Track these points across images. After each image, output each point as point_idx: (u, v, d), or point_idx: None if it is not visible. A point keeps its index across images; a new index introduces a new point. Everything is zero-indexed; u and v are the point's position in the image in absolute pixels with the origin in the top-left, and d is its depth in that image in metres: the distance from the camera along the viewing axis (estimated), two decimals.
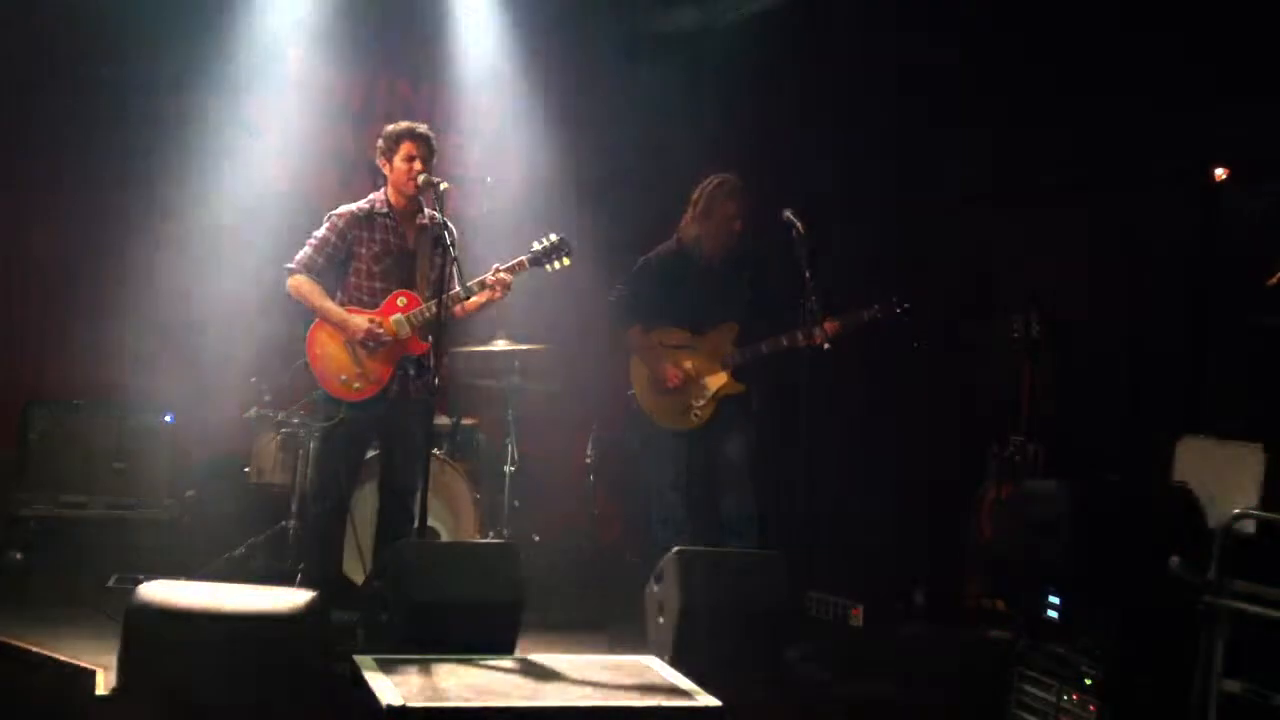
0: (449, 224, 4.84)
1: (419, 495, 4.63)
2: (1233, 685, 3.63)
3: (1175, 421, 5.39)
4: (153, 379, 6.62)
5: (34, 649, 4.15)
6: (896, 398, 7.00)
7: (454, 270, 4.80)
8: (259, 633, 3.71)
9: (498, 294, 5.02)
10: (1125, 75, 5.76)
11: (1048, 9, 5.94)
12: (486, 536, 5.90)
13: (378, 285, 5.03)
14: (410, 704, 3.33)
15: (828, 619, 5.75)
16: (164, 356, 6.67)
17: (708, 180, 5.61)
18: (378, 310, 5.00)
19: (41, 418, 5.96)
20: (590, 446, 6.88)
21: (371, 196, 5.16)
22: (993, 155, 6.55)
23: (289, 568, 5.48)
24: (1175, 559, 3.75)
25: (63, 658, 4.08)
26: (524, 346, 6.19)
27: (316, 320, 5.02)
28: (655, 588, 4.78)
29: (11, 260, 6.39)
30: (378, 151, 5.10)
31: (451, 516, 5.72)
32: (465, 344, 6.18)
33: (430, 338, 4.92)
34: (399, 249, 5.07)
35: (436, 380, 4.77)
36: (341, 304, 5.03)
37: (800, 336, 5.38)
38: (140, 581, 3.84)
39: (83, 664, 4.01)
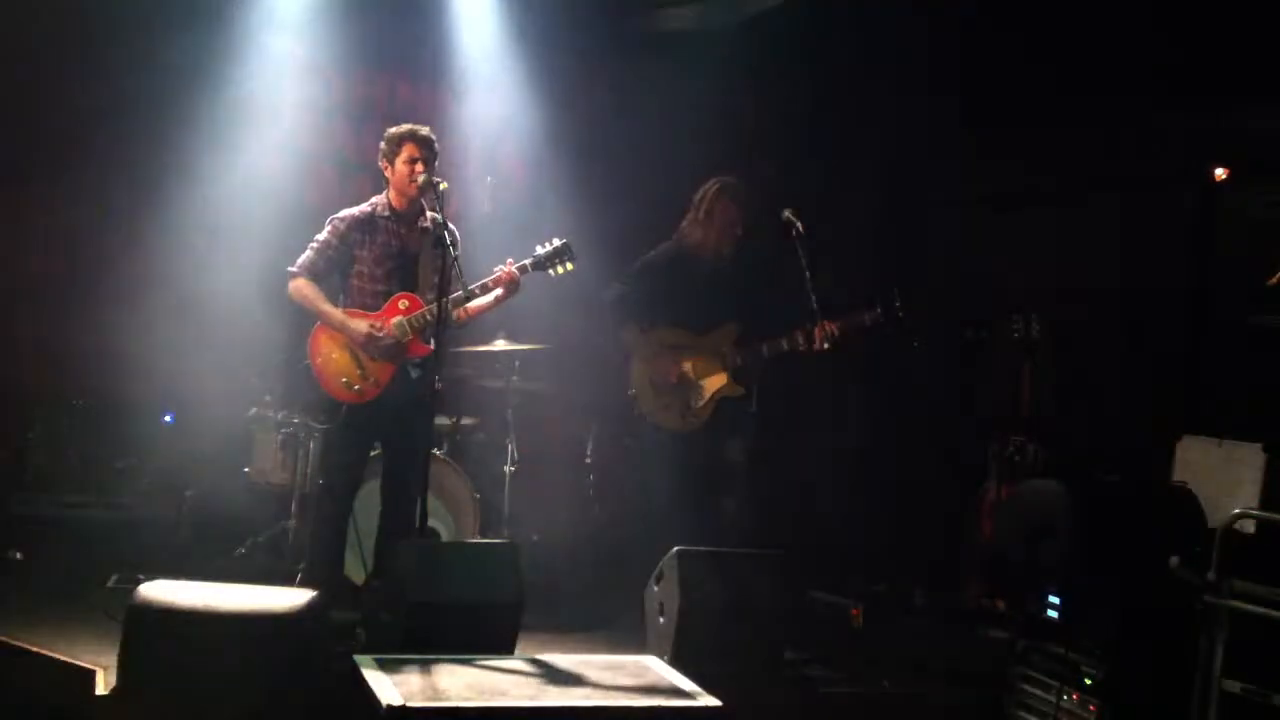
0: (450, 225, 4.84)
1: (421, 495, 4.63)
2: (1233, 685, 3.63)
3: (1175, 421, 5.40)
4: (153, 379, 6.63)
5: (34, 649, 4.15)
6: (896, 398, 7.00)
7: (456, 272, 4.79)
8: (259, 633, 3.70)
9: (504, 293, 5.01)
10: (1125, 75, 5.76)
11: (1048, 9, 5.94)
12: (486, 536, 5.90)
13: (379, 288, 5.02)
14: (410, 704, 3.33)
15: (828, 619, 5.75)
16: (164, 357, 6.67)
17: (710, 183, 5.61)
18: (379, 313, 4.99)
19: (41, 418, 5.96)
20: (590, 446, 6.88)
21: (373, 199, 5.15)
22: (993, 155, 6.55)
23: (289, 568, 5.48)
24: (1175, 559, 3.76)
25: (63, 658, 4.08)
26: (524, 346, 6.19)
27: (318, 324, 5.01)
28: (655, 588, 4.78)
29: (12, 261, 6.39)
30: (380, 154, 5.09)
31: (451, 516, 5.72)
32: (465, 344, 6.17)
33: (431, 340, 4.90)
34: (400, 252, 5.07)
35: (438, 383, 4.76)
36: (343, 307, 5.03)
37: (800, 338, 5.38)
38: (140, 581, 3.84)
39: (83, 664, 4.01)
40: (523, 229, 5.61)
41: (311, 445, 5.88)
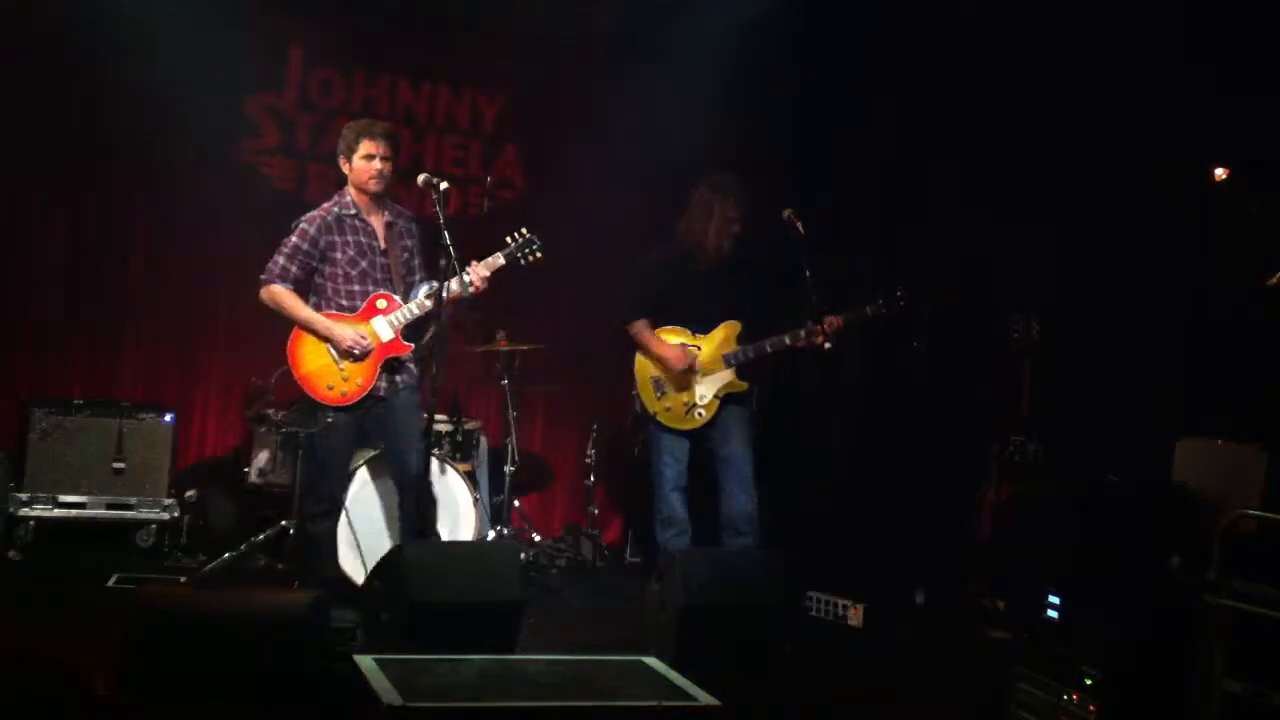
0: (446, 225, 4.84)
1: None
2: (1233, 685, 3.63)
3: (1175, 421, 5.39)
4: (153, 379, 6.63)
5: (34, 649, 4.14)
6: (896, 397, 7.00)
7: (452, 269, 4.80)
8: (259, 633, 3.70)
9: (481, 288, 4.97)
10: (1125, 74, 5.76)
11: (1048, 8, 5.93)
12: (486, 536, 5.90)
13: (355, 288, 4.96)
14: (410, 704, 3.33)
15: (828, 619, 5.75)
16: (164, 357, 6.68)
17: (706, 180, 5.61)
18: (358, 314, 4.95)
19: (41, 418, 5.96)
20: (590, 446, 6.89)
21: (335, 198, 5.07)
22: (993, 155, 6.54)
23: (289, 568, 5.48)
24: (1175, 559, 3.76)
25: (63, 658, 4.08)
26: (524, 346, 6.19)
27: (295, 330, 4.95)
28: (655, 587, 4.78)
29: (12, 260, 6.39)
30: (337, 149, 5.02)
31: (451, 516, 5.72)
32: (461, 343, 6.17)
33: (410, 339, 4.97)
34: (371, 249, 5.01)
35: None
36: (318, 308, 4.96)
37: (803, 334, 5.38)
38: (140, 581, 3.84)
39: (83, 664, 4.01)
40: (524, 229, 5.59)
41: (299, 451, 5.88)
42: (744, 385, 5.57)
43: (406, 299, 5.02)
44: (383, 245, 5.02)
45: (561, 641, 4.90)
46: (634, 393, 5.68)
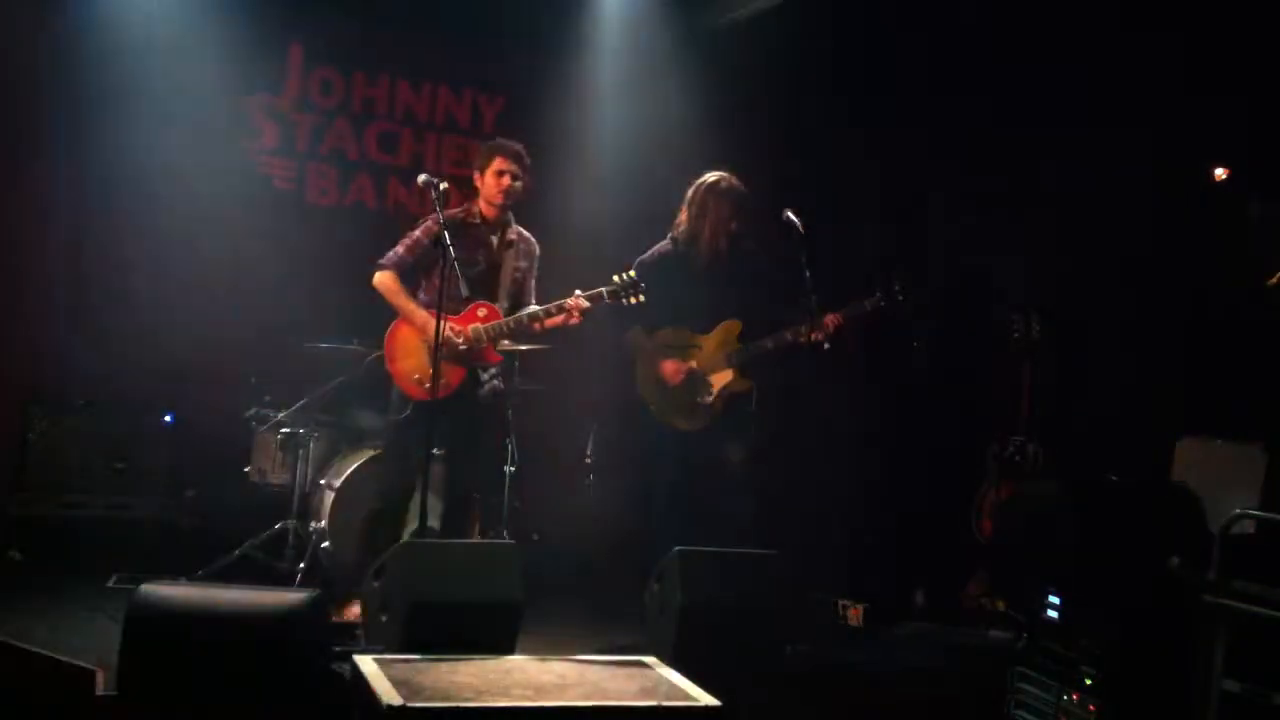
0: (444, 228, 4.89)
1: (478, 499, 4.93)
2: (1233, 685, 3.63)
3: (1175, 421, 5.39)
4: (153, 379, 6.63)
5: (34, 649, 4.14)
6: (896, 398, 7.00)
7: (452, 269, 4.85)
8: (259, 633, 3.70)
9: (575, 319, 5.13)
10: (1125, 74, 5.76)
11: (1048, 8, 5.94)
12: (486, 536, 5.90)
13: (461, 293, 5.06)
14: (410, 704, 3.33)
15: (828, 619, 5.75)
16: (163, 356, 6.68)
17: (702, 178, 5.59)
18: (459, 318, 5.08)
19: (41, 418, 5.97)
20: (590, 446, 6.88)
21: (466, 205, 5.31)
22: (993, 154, 6.55)
23: (289, 568, 5.48)
24: (1175, 559, 3.75)
25: (63, 658, 4.07)
26: (524, 346, 6.18)
27: (396, 321, 5.14)
28: (655, 588, 4.78)
29: (11, 260, 6.39)
30: (473, 164, 5.30)
31: None
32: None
33: (502, 351, 5.19)
34: (486, 260, 5.22)
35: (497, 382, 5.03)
36: (424, 306, 5.13)
37: (804, 331, 5.38)
38: (140, 581, 3.84)
39: (83, 664, 4.01)
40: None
41: (311, 446, 5.89)
42: (745, 384, 5.57)
43: (512, 314, 5.21)
44: (498, 259, 5.20)
45: (561, 641, 4.90)
46: (635, 393, 5.68)
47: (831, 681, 4.86)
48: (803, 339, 5.39)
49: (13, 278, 6.37)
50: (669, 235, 5.66)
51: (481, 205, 5.26)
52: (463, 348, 5.08)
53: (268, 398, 6.00)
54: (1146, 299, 5.89)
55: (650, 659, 4.07)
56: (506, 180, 5.15)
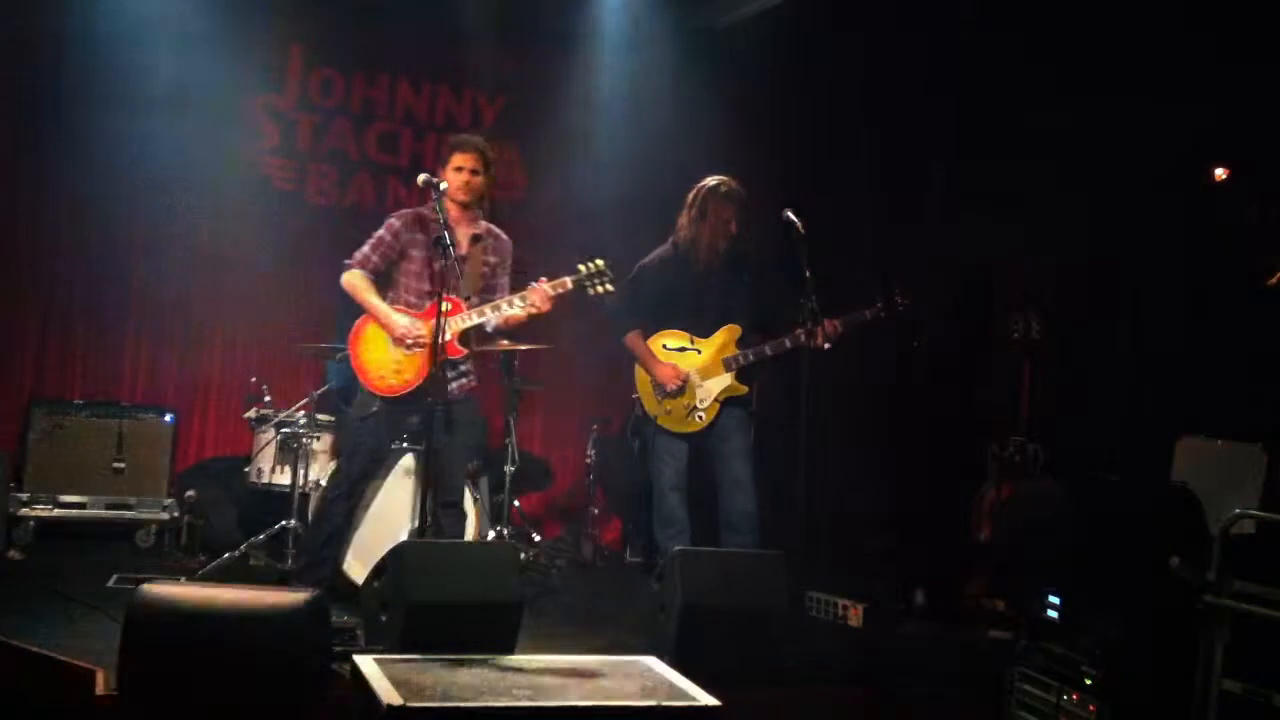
0: (450, 227, 4.88)
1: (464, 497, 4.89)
2: (1233, 685, 3.63)
3: (1175, 421, 5.39)
4: (153, 379, 6.63)
5: (34, 649, 4.14)
6: (896, 398, 7.00)
7: (452, 268, 4.84)
8: (259, 633, 3.70)
9: (545, 308, 5.07)
10: (1125, 73, 5.76)
11: (1047, 8, 5.94)
12: (486, 536, 5.90)
13: (426, 288, 5.10)
14: (410, 704, 3.32)
15: (828, 619, 5.75)
16: (164, 357, 6.68)
17: (702, 182, 5.59)
18: (422, 313, 5.06)
19: (41, 418, 5.97)
20: (590, 446, 6.88)
21: (431, 202, 5.20)
22: (993, 154, 6.55)
23: (289, 568, 5.48)
24: (1175, 559, 3.75)
25: (63, 658, 4.07)
26: (524, 346, 6.19)
27: (362, 318, 5.12)
28: (656, 588, 4.78)
29: (11, 260, 6.40)
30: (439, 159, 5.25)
31: None
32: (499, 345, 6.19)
33: (467, 345, 5.08)
34: (449, 255, 5.12)
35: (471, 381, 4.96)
36: (390, 302, 5.12)
37: (803, 336, 5.37)
38: (140, 581, 3.84)
39: (83, 664, 4.01)
40: (525, 227, 5.60)
41: (313, 445, 5.89)
42: (744, 388, 5.57)
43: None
44: (463, 254, 5.13)
45: (561, 641, 4.90)
46: (635, 396, 5.68)
47: (831, 682, 4.85)
48: (803, 344, 5.39)
49: (13, 278, 6.37)
50: (669, 239, 5.65)
51: (447, 201, 5.17)
52: (425, 341, 5.00)
53: (268, 398, 6.00)
54: (1146, 299, 5.89)
55: (650, 659, 4.07)
56: (465, 175, 5.09)
